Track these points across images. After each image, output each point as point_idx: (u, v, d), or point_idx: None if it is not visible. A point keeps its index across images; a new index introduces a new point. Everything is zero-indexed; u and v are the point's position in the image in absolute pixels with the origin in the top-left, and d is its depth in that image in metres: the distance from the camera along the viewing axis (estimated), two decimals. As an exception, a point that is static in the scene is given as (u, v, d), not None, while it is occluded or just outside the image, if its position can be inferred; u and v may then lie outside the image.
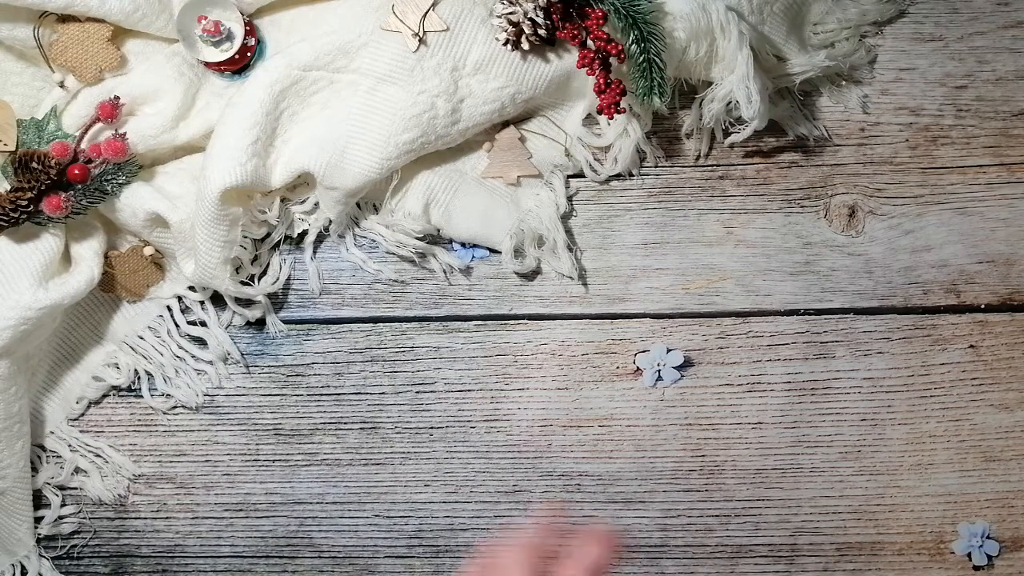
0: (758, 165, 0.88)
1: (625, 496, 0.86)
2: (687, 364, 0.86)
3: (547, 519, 0.62)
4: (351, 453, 0.87)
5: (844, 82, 0.88)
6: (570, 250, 0.86)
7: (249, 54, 0.84)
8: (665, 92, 0.79)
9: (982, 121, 0.87)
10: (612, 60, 0.79)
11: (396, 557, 0.87)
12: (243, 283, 0.85)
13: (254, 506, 0.87)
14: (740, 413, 0.86)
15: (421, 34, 0.81)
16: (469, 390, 0.87)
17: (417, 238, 0.86)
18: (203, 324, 0.88)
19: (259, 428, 0.87)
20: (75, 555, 0.87)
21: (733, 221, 0.87)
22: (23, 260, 0.81)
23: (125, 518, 0.88)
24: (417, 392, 0.87)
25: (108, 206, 0.82)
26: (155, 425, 0.88)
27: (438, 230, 0.86)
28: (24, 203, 0.79)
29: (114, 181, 0.81)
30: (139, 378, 0.88)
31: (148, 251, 0.85)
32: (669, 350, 0.85)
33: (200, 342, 0.88)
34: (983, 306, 0.86)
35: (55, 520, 0.87)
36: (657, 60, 0.78)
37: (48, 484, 0.87)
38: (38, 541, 0.87)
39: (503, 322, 0.87)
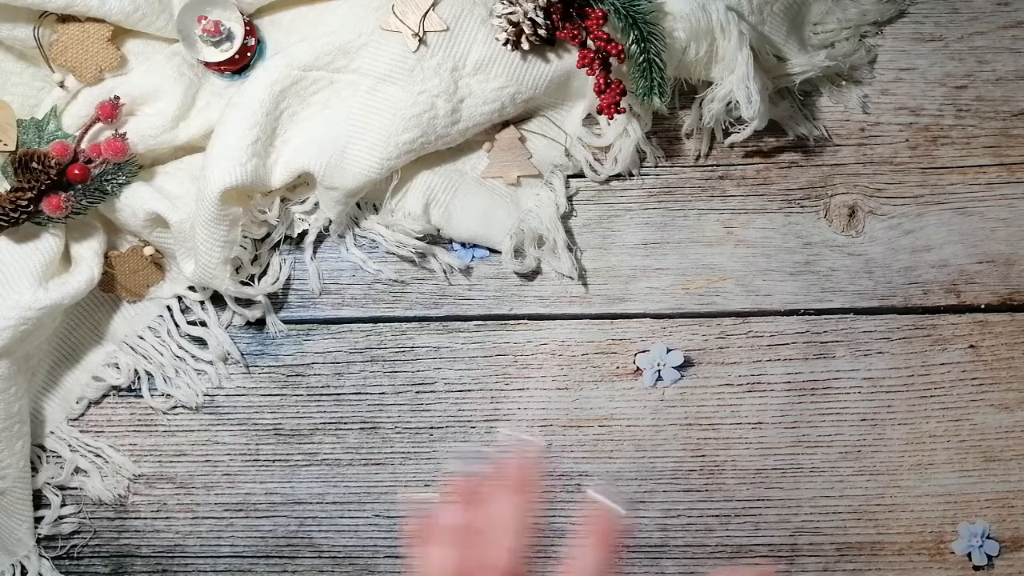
0: (758, 165, 0.88)
1: (625, 496, 0.86)
2: (687, 364, 0.86)
3: (519, 454, 0.61)
4: (351, 453, 0.87)
5: (844, 82, 0.88)
6: (570, 250, 0.86)
7: (249, 54, 0.84)
8: (665, 92, 0.79)
9: (982, 121, 0.87)
10: (612, 60, 0.79)
11: (396, 557, 0.86)
12: (243, 283, 0.85)
13: (254, 506, 0.87)
14: (740, 413, 0.86)
15: (421, 34, 0.81)
16: (469, 390, 0.87)
17: (417, 238, 0.86)
18: (203, 324, 0.88)
19: (259, 428, 0.87)
20: (75, 555, 0.87)
21: (733, 221, 0.87)
22: (23, 260, 0.81)
23: (125, 518, 0.88)
24: (417, 392, 0.87)
25: (108, 206, 0.82)
26: (155, 425, 0.88)
27: (438, 230, 0.86)
28: (24, 203, 0.79)
29: (114, 181, 0.81)
30: (139, 378, 0.88)
31: (148, 251, 0.85)
32: (669, 350, 0.85)
33: (200, 342, 0.88)
34: (983, 306, 0.86)
35: (55, 520, 0.87)
36: (657, 60, 0.78)
37: (48, 484, 0.87)
38: (38, 541, 0.87)
39: (503, 322, 0.87)
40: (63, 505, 0.87)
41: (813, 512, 0.86)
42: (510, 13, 0.79)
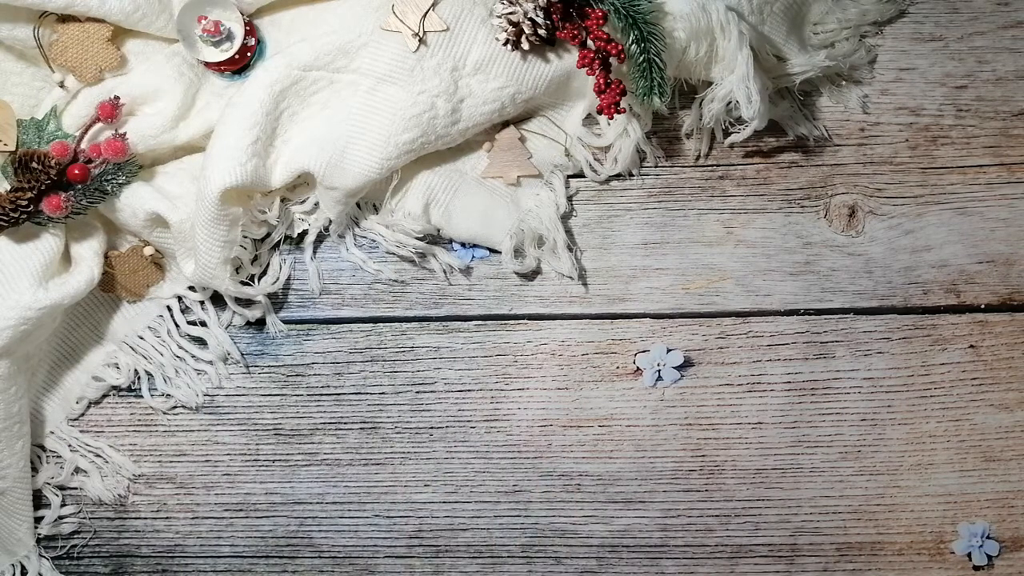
0: (758, 165, 0.88)
1: (625, 496, 0.86)
2: (687, 364, 0.86)
3: None
4: (351, 453, 0.87)
5: (844, 82, 0.88)
6: (570, 250, 0.86)
7: (249, 54, 0.84)
8: (665, 92, 0.79)
9: (982, 121, 0.87)
10: (612, 60, 0.79)
11: (396, 557, 0.87)
12: (243, 283, 0.85)
13: (254, 506, 0.87)
14: (740, 413, 0.86)
15: (421, 34, 0.81)
16: (469, 390, 0.87)
17: (417, 238, 0.86)
18: (203, 324, 0.88)
19: (259, 428, 0.87)
20: (75, 555, 0.87)
21: (733, 221, 0.87)
22: (23, 260, 0.81)
23: (125, 518, 0.88)
24: (417, 392, 0.87)
25: (108, 206, 0.82)
26: (155, 425, 0.88)
27: (438, 230, 0.86)
28: (24, 203, 0.79)
29: (114, 181, 0.81)
30: (139, 378, 0.88)
31: (148, 251, 0.85)
32: (669, 350, 0.85)
33: (200, 342, 0.88)
34: (983, 306, 0.86)
35: (55, 520, 0.87)
36: (657, 60, 0.78)
37: (48, 484, 0.87)
38: (38, 541, 0.87)
39: (503, 322, 0.87)
40: (63, 505, 0.87)
41: (813, 512, 0.86)
42: (510, 13, 0.79)
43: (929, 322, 0.86)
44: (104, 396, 0.88)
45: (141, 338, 0.88)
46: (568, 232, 0.87)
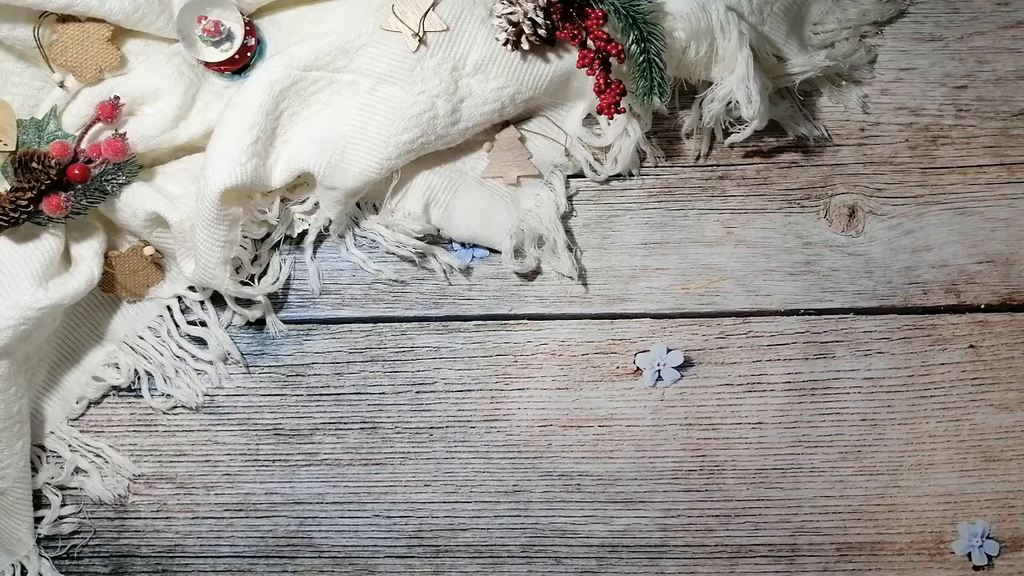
0: (758, 165, 0.88)
1: (625, 496, 0.86)
2: (687, 364, 0.86)
3: None
4: (351, 453, 0.87)
5: (844, 82, 0.88)
6: (570, 250, 0.86)
7: (249, 54, 0.84)
8: (665, 92, 0.79)
9: (982, 121, 0.87)
10: (612, 60, 0.79)
11: (396, 557, 0.87)
12: (243, 283, 0.85)
13: (254, 506, 0.87)
14: (740, 413, 0.86)
15: (421, 34, 0.81)
16: (469, 390, 0.87)
17: (417, 238, 0.86)
18: (203, 324, 0.88)
19: (259, 428, 0.87)
20: (75, 555, 0.87)
21: (733, 221, 0.87)
22: (23, 260, 0.81)
23: (125, 518, 0.88)
24: (417, 392, 0.87)
25: (108, 206, 0.82)
26: (155, 425, 0.88)
27: (438, 230, 0.86)
28: (24, 203, 0.79)
29: (114, 181, 0.81)
30: (139, 378, 0.88)
31: (148, 251, 0.85)
32: (669, 350, 0.85)
33: (200, 342, 0.88)
34: (983, 306, 0.86)
35: (55, 520, 0.87)
36: (657, 60, 0.78)
37: (48, 484, 0.87)
38: (38, 541, 0.87)
39: (503, 322, 0.87)
40: (63, 505, 0.87)
41: (813, 512, 0.86)
42: (510, 13, 0.79)
43: (929, 322, 0.86)
44: (104, 396, 0.88)
45: (141, 338, 0.88)
46: (568, 232, 0.87)
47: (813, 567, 0.85)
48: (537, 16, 0.79)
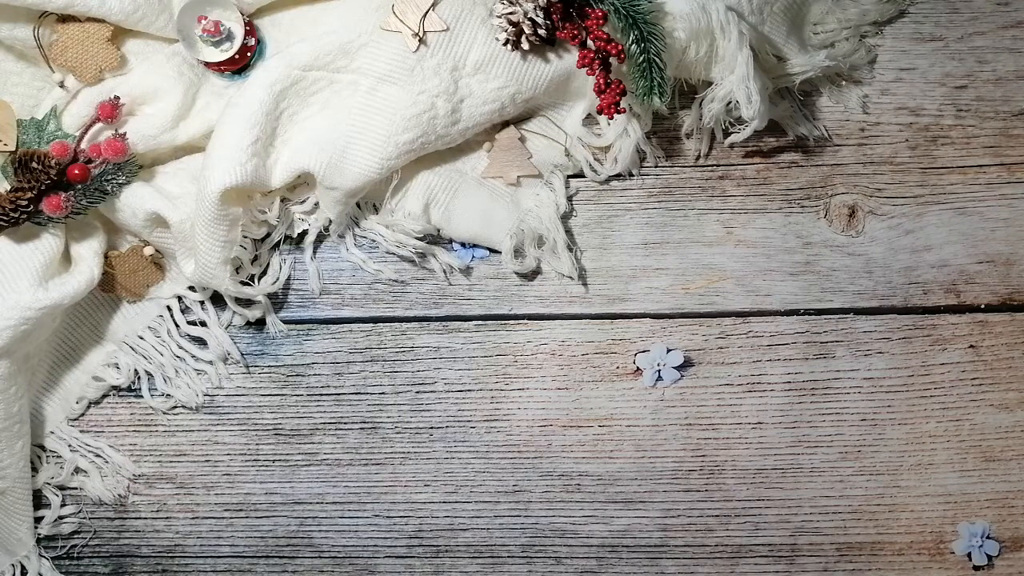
0: (758, 165, 0.88)
1: (625, 496, 0.86)
2: (687, 364, 0.86)
3: None
4: (351, 453, 0.87)
5: (844, 82, 0.88)
6: (570, 250, 0.86)
7: (249, 54, 0.84)
8: (665, 92, 0.79)
9: (982, 121, 0.87)
10: (612, 60, 0.79)
11: (396, 557, 0.87)
12: (243, 283, 0.85)
13: (254, 506, 0.87)
14: (740, 413, 0.86)
15: (421, 34, 0.81)
16: (469, 390, 0.87)
17: (417, 238, 0.86)
18: (203, 324, 0.88)
19: (259, 428, 0.87)
20: (75, 555, 0.87)
21: (733, 221, 0.87)
22: (23, 260, 0.81)
23: (125, 518, 0.88)
24: (417, 392, 0.87)
25: (108, 206, 0.82)
26: (155, 425, 0.88)
27: (438, 230, 0.86)
28: (24, 203, 0.79)
29: (114, 181, 0.81)
30: (139, 378, 0.88)
31: (148, 251, 0.85)
32: (669, 350, 0.85)
33: (200, 342, 0.88)
34: (983, 306, 0.86)
35: (55, 520, 0.87)
36: (657, 60, 0.78)
37: (48, 484, 0.87)
38: (38, 541, 0.87)
39: (503, 322, 0.87)
40: (63, 505, 0.87)
41: (813, 512, 0.86)
42: (510, 13, 0.79)
43: (929, 322, 0.86)
44: (104, 396, 0.88)
45: (141, 338, 0.88)
46: (568, 232, 0.87)
47: (813, 567, 0.85)
48: (537, 16, 0.79)
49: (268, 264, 0.87)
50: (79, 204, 0.81)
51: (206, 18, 0.82)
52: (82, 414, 0.88)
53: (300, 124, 0.83)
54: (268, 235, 0.86)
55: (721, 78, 0.82)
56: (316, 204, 0.86)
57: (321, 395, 0.87)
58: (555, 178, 0.87)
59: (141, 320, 0.88)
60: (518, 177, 0.86)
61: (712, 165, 0.88)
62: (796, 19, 0.86)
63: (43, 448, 0.87)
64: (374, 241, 0.87)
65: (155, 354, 0.88)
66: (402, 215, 0.86)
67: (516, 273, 0.87)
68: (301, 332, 0.88)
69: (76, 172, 0.80)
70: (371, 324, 0.88)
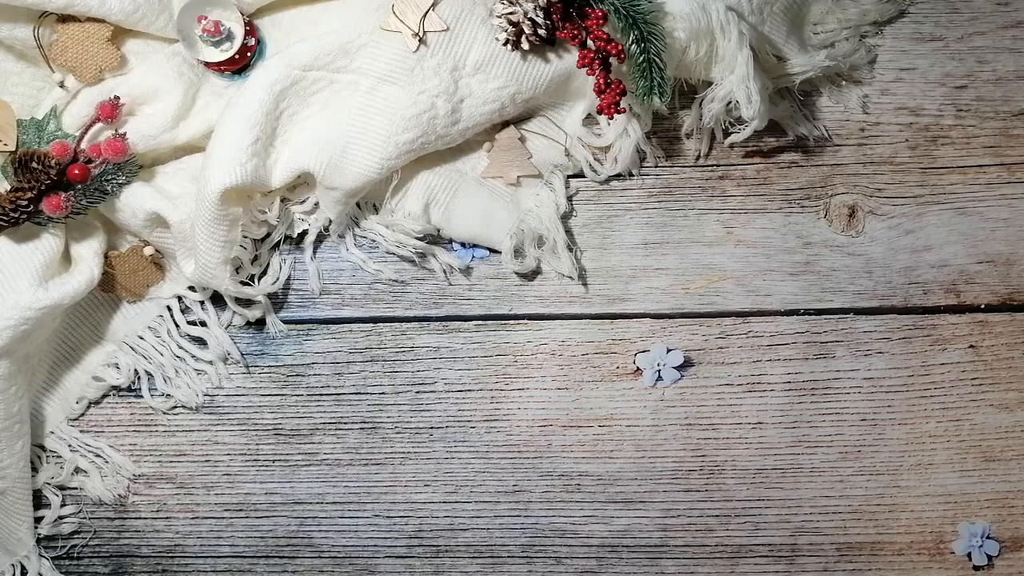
0: (758, 165, 0.88)
1: (625, 496, 0.86)
2: (687, 364, 0.86)
3: None
4: (351, 453, 0.87)
5: (844, 82, 0.88)
6: (570, 250, 0.86)
7: (249, 54, 0.84)
8: (665, 92, 0.79)
9: (982, 121, 0.87)
10: (612, 60, 0.79)
11: (396, 557, 0.87)
12: (243, 283, 0.85)
13: (254, 506, 0.87)
14: (740, 413, 0.86)
15: (421, 34, 0.81)
16: (469, 390, 0.87)
17: (417, 238, 0.86)
18: (203, 324, 0.88)
19: (259, 428, 0.87)
20: (75, 555, 0.87)
21: (733, 221, 0.87)
22: (23, 260, 0.81)
23: (125, 518, 0.88)
24: (417, 392, 0.87)
25: (108, 206, 0.82)
26: (155, 425, 0.88)
27: (438, 230, 0.86)
28: (24, 203, 0.79)
29: (114, 181, 0.81)
30: (139, 378, 0.88)
31: (148, 251, 0.85)
32: (669, 350, 0.85)
33: (200, 342, 0.88)
34: (983, 306, 0.86)
35: (55, 520, 0.87)
36: (657, 60, 0.78)
37: (48, 484, 0.87)
38: (38, 541, 0.87)
39: (503, 322, 0.87)
40: (63, 505, 0.87)
41: (813, 512, 0.86)
42: (510, 13, 0.79)
43: (929, 322, 0.86)
44: (104, 396, 0.88)
45: (141, 338, 0.88)
46: (568, 232, 0.87)
47: (813, 567, 0.85)
48: (537, 16, 0.79)
49: (268, 264, 0.87)
50: (79, 204, 0.81)
51: (206, 18, 0.82)
52: (82, 414, 0.88)
53: (300, 124, 0.83)
54: (268, 235, 0.86)
55: (721, 78, 0.82)
56: (316, 204, 0.86)
57: (321, 395, 0.87)
58: (555, 178, 0.87)
59: (141, 320, 0.88)
60: (518, 177, 0.86)
61: (712, 165, 0.88)
62: (796, 19, 0.86)
63: (43, 448, 0.87)
64: (374, 241, 0.87)
65: (155, 354, 0.88)
66: (402, 215, 0.86)
67: (516, 273, 0.87)
68: (301, 332, 0.88)
69: (76, 172, 0.80)
70: (371, 324, 0.88)
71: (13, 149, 0.81)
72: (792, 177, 0.88)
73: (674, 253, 0.87)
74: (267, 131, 0.81)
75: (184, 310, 0.88)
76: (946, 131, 0.87)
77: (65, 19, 0.82)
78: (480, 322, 0.87)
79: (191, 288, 0.87)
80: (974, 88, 0.88)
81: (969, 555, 0.85)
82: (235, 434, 0.87)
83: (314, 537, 0.87)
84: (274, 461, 0.87)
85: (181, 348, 0.88)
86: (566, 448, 0.86)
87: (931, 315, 0.86)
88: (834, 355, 0.86)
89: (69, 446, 0.87)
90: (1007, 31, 0.88)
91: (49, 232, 0.82)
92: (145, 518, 0.88)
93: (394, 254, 0.87)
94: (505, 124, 0.86)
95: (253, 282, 0.86)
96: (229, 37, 0.83)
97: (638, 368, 0.86)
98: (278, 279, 0.87)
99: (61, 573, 0.87)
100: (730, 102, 0.82)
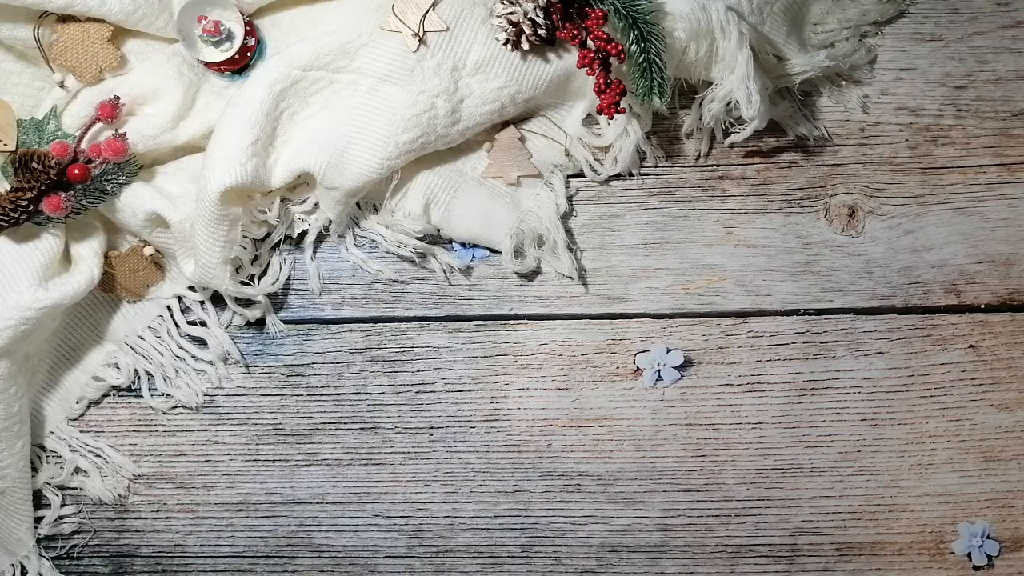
0: (758, 165, 0.88)
1: (625, 496, 0.86)
2: (687, 364, 0.86)
3: None
4: (351, 453, 0.87)
5: (844, 82, 0.88)
6: (570, 250, 0.86)
7: (249, 54, 0.84)
8: (665, 92, 0.79)
9: (982, 121, 0.87)
10: (612, 60, 0.79)
11: (396, 557, 0.87)
12: (243, 283, 0.85)
13: (254, 506, 0.87)
14: (740, 413, 0.86)
15: (421, 34, 0.81)
16: (469, 390, 0.87)
17: (417, 238, 0.86)
18: (203, 324, 0.88)
19: (259, 428, 0.87)
20: (75, 555, 0.87)
21: (733, 221, 0.87)
22: (23, 260, 0.81)
23: (125, 518, 0.88)
24: (417, 392, 0.87)
25: (108, 206, 0.82)
26: (155, 425, 0.88)
27: (438, 230, 0.86)
28: (24, 203, 0.79)
29: (114, 181, 0.81)
30: (139, 378, 0.88)
31: (148, 251, 0.85)
32: (669, 350, 0.85)
33: (200, 342, 0.88)
34: (983, 306, 0.86)
35: (55, 520, 0.87)
36: (657, 60, 0.78)
37: (48, 484, 0.87)
38: (38, 541, 0.87)
39: (503, 322, 0.87)
40: (63, 505, 0.87)
41: (813, 512, 0.86)
42: (510, 13, 0.79)
43: (929, 322, 0.86)
44: (104, 396, 0.88)
45: (141, 338, 0.88)
46: (568, 232, 0.87)
47: (813, 567, 0.85)
48: (537, 16, 0.79)
49: (268, 264, 0.87)
50: (79, 204, 0.81)
51: (206, 18, 0.82)
52: (82, 414, 0.88)
53: (300, 124, 0.83)
54: (268, 235, 0.86)
55: (721, 78, 0.82)
56: (316, 204, 0.86)
57: (321, 395, 0.87)
58: (555, 178, 0.87)
59: (141, 320, 0.88)
60: (518, 177, 0.86)
61: (712, 165, 0.88)
62: (796, 19, 0.86)
63: (43, 448, 0.87)
64: (374, 241, 0.87)
65: (155, 354, 0.88)
66: (402, 215, 0.86)
67: (516, 273, 0.87)
68: (301, 332, 0.88)
69: (76, 172, 0.80)
70: (371, 324, 0.88)
71: (13, 149, 0.81)
72: (792, 177, 0.88)
73: (674, 253, 0.87)
74: (267, 131, 0.81)
75: (184, 310, 0.88)
76: (946, 131, 0.87)
77: (65, 19, 0.82)
78: (480, 322, 0.87)
79: (191, 288, 0.87)
80: (974, 88, 0.88)
81: (969, 555, 0.85)
82: (235, 434, 0.87)
83: (314, 537, 0.87)
84: (274, 461, 0.87)
85: (181, 348, 0.88)
86: (566, 448, 0.86)
87: (931, 315, 0.86)
88: (834, 355, 0.86)
89: (69, 446, 0.87)
90: (1007, 31, 0.88)
91: (49, 232, 0.82)
92: (145, 518, 0.88)
93: (394, 254, 0.87)
94: (505, 124, 0.86)
95: (253, 282, 0.86)
96: (229, 37, 0.83)
97: (638, 368, 0.86)
98: (278, 279, 0.87)
99: (61, 573, 0.87)
100: (730, 102, 0.82)
